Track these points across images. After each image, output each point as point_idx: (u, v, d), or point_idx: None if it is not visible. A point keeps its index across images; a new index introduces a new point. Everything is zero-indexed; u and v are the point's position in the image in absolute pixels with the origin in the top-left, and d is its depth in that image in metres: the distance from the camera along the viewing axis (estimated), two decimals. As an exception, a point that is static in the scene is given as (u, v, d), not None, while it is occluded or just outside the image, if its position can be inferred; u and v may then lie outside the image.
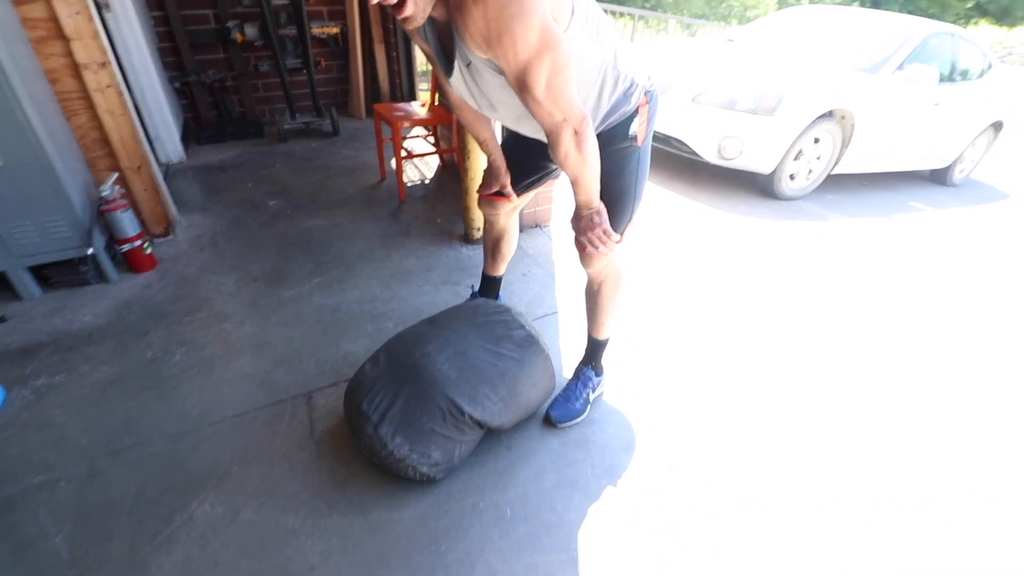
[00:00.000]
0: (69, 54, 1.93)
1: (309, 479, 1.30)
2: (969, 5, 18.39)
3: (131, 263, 2.12)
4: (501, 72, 0.94)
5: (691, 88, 3.25)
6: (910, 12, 18.46)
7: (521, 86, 0.91)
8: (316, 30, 3.41)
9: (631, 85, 1.14)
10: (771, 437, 1.54)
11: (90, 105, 2.03)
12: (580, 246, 1.21)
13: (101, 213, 2.00)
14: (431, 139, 2.99)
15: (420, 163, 3.26)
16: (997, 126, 4.27)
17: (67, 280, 2.03)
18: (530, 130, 1.21)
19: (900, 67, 3.32)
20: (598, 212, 1.15)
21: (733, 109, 3.09)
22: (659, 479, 1.37)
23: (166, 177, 2.95)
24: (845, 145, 3.39)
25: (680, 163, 3.71)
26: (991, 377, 1.94)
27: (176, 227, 2.42)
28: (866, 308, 2.29)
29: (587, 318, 1.46)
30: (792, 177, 3.39)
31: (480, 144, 1.38)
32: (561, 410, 1.46)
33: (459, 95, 1.13)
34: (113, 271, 2.07)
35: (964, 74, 3.76)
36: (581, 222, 1.17)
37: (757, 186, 3.51)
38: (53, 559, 1.11)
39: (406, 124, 2.54)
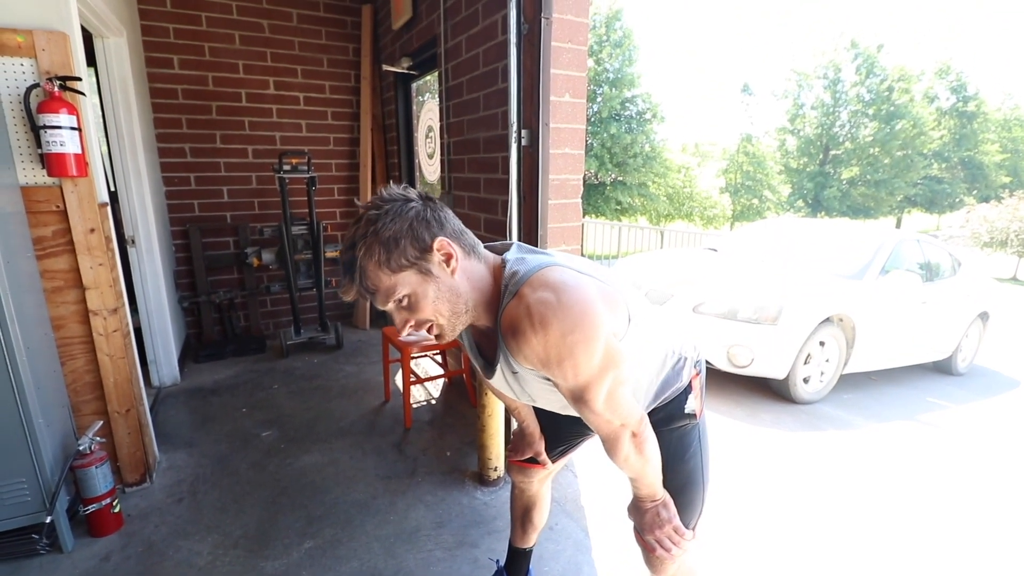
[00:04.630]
0: (82, 301, 1.90)
1: None
2: (899, 198, 21.15)
3: (93, 525, 1.81)
4: (550, 380, 0.86)
5: (691, 299, 3.36)
6: (848, 206, 21.15)
7: (578, 399, 0.84)
8: (330, 254, 3.60)
9: (679, 360, 1.07)
10: None
11: (91, 349, 1.95)
12: (647, 547, 1.00)
13: (72, 468, 1.77)
14: (438, 358, 2.93)
15: (427, 382, 3.15)
16: (984, 316, 4.42)
17: (11, 552, 1.71)
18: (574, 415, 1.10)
19: (883, 271, 3.52)
20: (664, 505, 0.99)
21: (735, 319, 3.15)
22: None
23: (156, 403, 2.78)
24: (850, 346, 3.41)
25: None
26: None
27: (154, 471, 2.16)
28: (928, 527, 1.99)
29: (654, 629, 1.17)
30: (806, 380, 3.33)
31: (512, 412, 1.26)
32: None
33: (496, 387, 1.04)
34: (70, 538, 1.76)
35: (939, 272, 4.01)
36: (645, 517, 0.99)
37: (772, 390, 3.41)
38: None
39: (415, 350, 2.48)
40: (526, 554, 1.50)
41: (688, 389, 1.07)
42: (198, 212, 3.53)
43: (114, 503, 1.84)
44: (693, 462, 1.07)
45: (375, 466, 2.23)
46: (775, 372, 3.16)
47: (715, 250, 4.43)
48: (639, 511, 1.00)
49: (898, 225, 22.68)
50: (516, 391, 1.00)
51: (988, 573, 1.85)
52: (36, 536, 1.70)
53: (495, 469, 2.06)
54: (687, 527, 1.02)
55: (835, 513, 2.14)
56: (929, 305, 3.78)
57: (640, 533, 1.01)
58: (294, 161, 3.23)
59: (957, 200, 21.40)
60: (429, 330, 0.86)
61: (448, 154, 2.70)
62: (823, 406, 3.35)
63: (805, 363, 3.27)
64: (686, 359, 1.08)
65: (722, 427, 2.94)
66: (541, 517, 1.45)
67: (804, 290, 3.24)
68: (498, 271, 0.89)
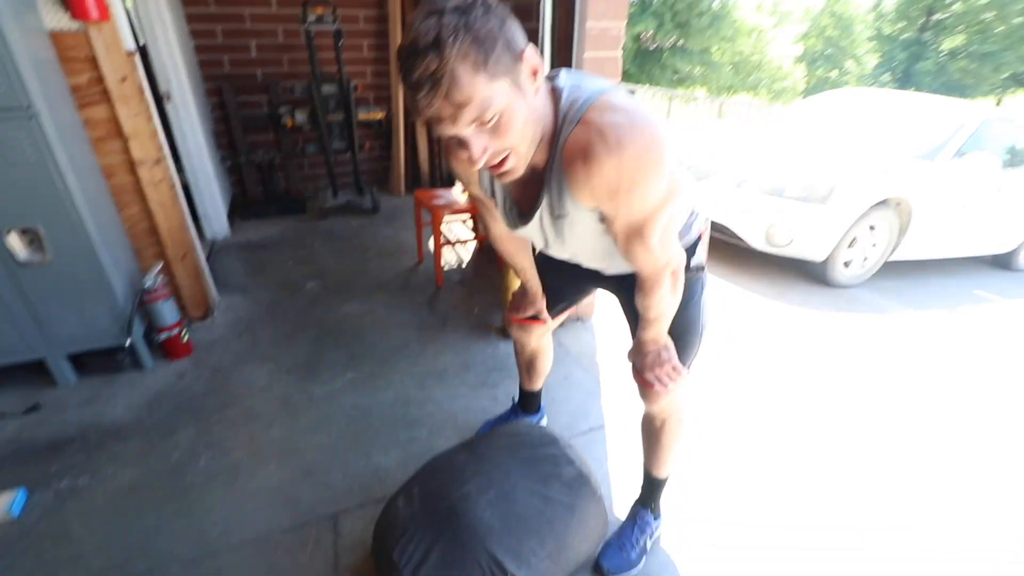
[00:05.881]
0: (126, 151, 1.99)
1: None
2: (1005, 75, 18.27)
3: (167, 351, 2.10)
4: (602, 220, 0.87)
5: (735, 173, 3.19)
6: (943, 83, 18.48)
7: (634, 235, 0.84)
8: (362, 116, 3.54)
9: (692, 213, 1.07)
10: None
11: (142, 198, 2.08)
12: (645, 383, 1.09)
13: (143, 303, 2.00)
14: (469, 223, 2.98)
15: (458, 246, 3.25)
16: (1064, 210, 4.02)
17: (103, 368, 2.01)
18: (604, 267, 1.14)
19: (959, 154, 3.19)
20: (666, 347, 1.06)
21: (781, 196, 3.00)
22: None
23: (211, 255, 3.01)
24: (903, 232, 3.23)
25: (725, 247, 3.58)
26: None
27: (215, 310, 2.42)
28: (941, 414, 2.05)
29: (645, 454, 1.31)
30: (847, 264, 3.22)
31: (517, 271, 1.29)
32: (615, 560, 1.28)
33: (513, 232, 1.03)
34: (149, 359, 2.05)
35: (1025, 157, 3.60)
36: (647, 358, 1.06)
37: (808, 272, 3.34)
38: None
39: (447, 212, 2.53)
40: (536, 395, 1.66)
41: (697, 241, 1.09)
42: (228, 69, 3.46)
43: (183, 333, 2.10)
44: (694, 311, 1.11)
45: (408, 317, 2.41)
46: (814, 254, 3.07)
47: (770, 124, 4.08)
48: (641, 353, 1.07)
49: (998, 106, 19.90)
50: (549, 238, 0.97)
51: (998, 465, 1.88)
52: (121, 356, 1.99)
53: (518, 325, 2.20)
54: (683, 366, 1.09)
55: (846, 389, 2.21)
56: (1005, 193, 3.45)
57: (640, 372, 1.09)
58: (319, 11, 3.04)
59: (1079, 78, 18.30)
60: (500, 164, 0.74)
61: (482, 0, 2.47)
62: (860, 291, 3.28)
63: (850, 247, 3.14)
64: (698, 214, 1.08)
65: (744, 300, 2.96)
66: (545, 365, 1.57)
67: (861, 169, 3.00)
68: (554, 99, 0.80)
